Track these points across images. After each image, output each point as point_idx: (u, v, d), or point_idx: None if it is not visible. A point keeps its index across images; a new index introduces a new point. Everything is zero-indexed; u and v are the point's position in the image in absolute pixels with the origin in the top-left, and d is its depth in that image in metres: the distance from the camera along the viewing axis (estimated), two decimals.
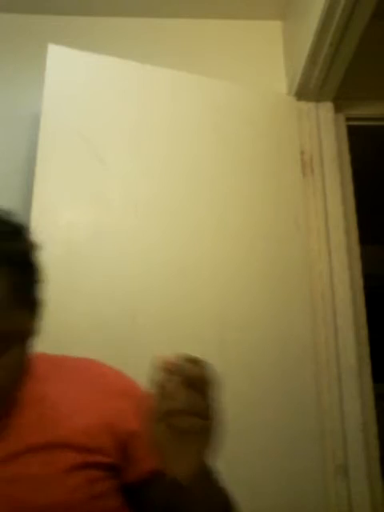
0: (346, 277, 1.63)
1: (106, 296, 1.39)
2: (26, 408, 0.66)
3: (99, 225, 1.46)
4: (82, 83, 1.57)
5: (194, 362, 0.54)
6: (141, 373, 0.80)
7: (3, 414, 0.64)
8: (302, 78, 1.70)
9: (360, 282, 1.70)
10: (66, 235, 1.42)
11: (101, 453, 0.65)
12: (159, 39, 1.90)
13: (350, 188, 1.77)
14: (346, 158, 1.79)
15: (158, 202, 1.51)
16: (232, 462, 1.19)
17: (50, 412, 0.66)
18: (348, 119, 1.84)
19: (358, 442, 1.46)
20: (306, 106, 1.78)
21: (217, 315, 1.45)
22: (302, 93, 1.75)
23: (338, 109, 1.81)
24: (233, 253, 1.53)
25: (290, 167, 1.69)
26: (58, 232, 1.42)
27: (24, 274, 0.62)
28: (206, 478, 0.62)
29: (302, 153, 1.72)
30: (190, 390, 0.53)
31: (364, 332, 1.65)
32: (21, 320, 0.61)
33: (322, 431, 1.45)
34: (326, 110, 1.79)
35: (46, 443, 0.63)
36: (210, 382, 0.54)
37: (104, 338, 1.35)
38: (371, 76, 1.86)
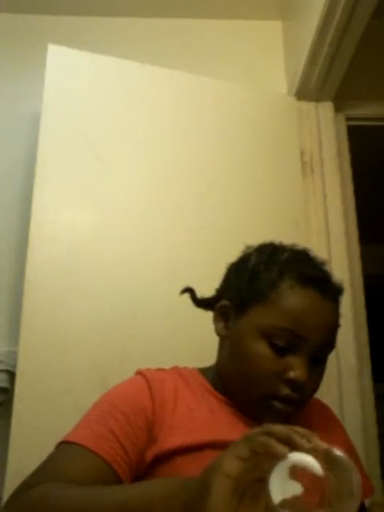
0: (346, 277, 1.63)
1: (106, 295, 1.39)
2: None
3: (99, 225, 1.46)
4: (81, 83, 1.57)
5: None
6: None
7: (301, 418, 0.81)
8: (302, 78, 1.70)
9: (360, 282, 1.70)
10: (65, 235, 1.42)
11: None
12: (159, 39, 1.90)
13: (350, 188, 1.77)
14: (346, 157, 1.79)
15: (158, 201, 1.51)
16: None
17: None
18: (348, 119, 1.84)
19: (357, 441, 1.45)
20: (306, 106, 1.78)
21: None
22: (302, 93, 1.75)
23: (338, 109, 1.81)
24: (233, 252, 1.51)
25: (290, 167, 1.69)
26: (58, 232, 1.42)
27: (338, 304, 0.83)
28: None
29: (302, 153, 1.72)
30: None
31: (364, 332, 1.65)
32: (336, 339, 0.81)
33: None
34: (326, 109, 1.79)
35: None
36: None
37: (104, 337, 1.35)
38: (371, 76, 1.86)
